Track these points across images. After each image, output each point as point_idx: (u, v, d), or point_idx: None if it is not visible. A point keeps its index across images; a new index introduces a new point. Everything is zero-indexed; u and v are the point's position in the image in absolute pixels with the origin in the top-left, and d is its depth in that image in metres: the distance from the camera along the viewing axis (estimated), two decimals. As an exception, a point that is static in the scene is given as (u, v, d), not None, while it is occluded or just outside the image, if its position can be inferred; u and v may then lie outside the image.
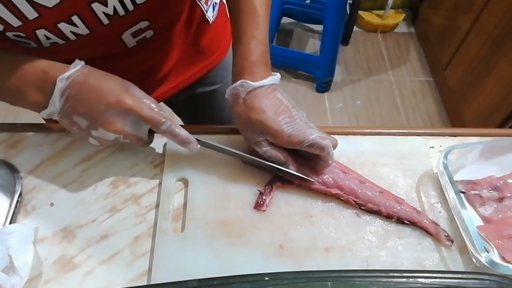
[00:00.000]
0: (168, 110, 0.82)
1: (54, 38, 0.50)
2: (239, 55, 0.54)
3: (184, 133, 0.52)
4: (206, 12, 0.68)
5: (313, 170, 0.55)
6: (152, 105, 0.50)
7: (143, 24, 0.56)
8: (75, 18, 0.48)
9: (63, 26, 0.48)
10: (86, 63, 0.49)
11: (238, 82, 0.52)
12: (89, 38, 0.52)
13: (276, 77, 0.54)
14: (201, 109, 0.83)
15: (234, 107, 0.53)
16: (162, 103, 0.78)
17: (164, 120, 0.50)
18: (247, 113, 0.51)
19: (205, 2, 0.66)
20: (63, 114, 0.47)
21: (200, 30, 0.69)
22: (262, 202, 0.54)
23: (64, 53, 0.52)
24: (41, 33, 0.48)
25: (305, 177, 0.54)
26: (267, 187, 0.55)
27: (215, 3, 0.71)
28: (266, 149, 0.53)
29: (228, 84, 0.84)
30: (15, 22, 0.45)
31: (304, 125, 0.52)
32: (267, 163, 0.54)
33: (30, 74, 0.47)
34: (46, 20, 0.46)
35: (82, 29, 0.50)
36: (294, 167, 0.55)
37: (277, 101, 0.52)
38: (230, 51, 0.79)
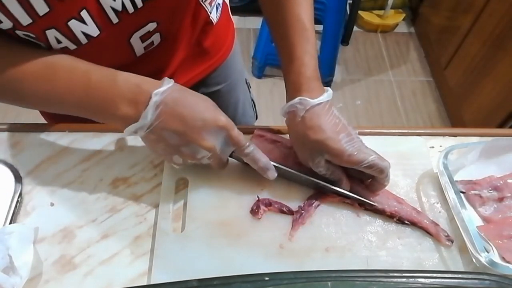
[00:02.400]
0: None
1: (65, 42, 0.49)
2: (293, 71, 0.52)
3: (264, 159, 0.52)
4: (210, 13, 0.68)
5: (368, 190, 0.55)
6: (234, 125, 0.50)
7: (151, 26, 0.55)
8: (84, 14, 0.47)
9: (73, 24, 0.47)
10: None
11: (296, 100, 0.51)
12: (98, 41, 0.51)
13: (329, 92, 0.52)
14: None
15: (291, 125, 0.53)
16: None
17: (248, 143, 0.50)
18: (306, 132, 0.50)
19: (209, 3, 0.66)
20: (153, 129, 0.46)
21: (204, 31, 0.69)
22: (257, 210, 0.54)
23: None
24: (51, 34, 0.47)
25: (367, 200, 0.54)
26: (309, 201, 0.54)
27: (218, 4, 0.71)
28: (325, 168, 0.52)
29: (232, 84, 0.83)
30: (25, 19, 0.43)
31: (362, 144, 0.51)
32: (331, 186, 0.54)
33: (123, 86, 0.46)
34: (56, 16, 0.45)
35: (92, 29, 0.49)
36: (347, 187, 0.54)
37: (335, 119, 0.51)
38: (233, 51, 0.79)
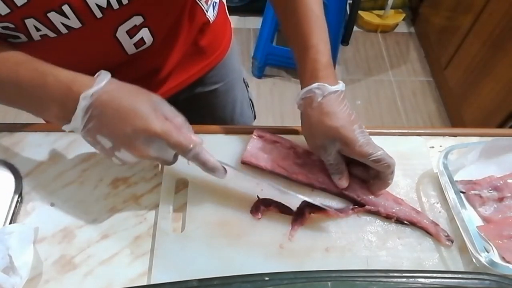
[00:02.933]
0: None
1: (44, 30, 0.48)
2: (309, 59, 0.52)
3: (212, 160, 0.49)
4: (207, 11, 0.68)
5: (367, 191, 0.55)
6: (181, 125, 0.48)
7: (137, 20, 0.54)
8: (66, 8, 0.46)
9: (53, 16, 0.46)
10: (85, 72, 0.46)
11: (315, 85, 0.50)
12: (81, 33, 0.50)
13: (343, 84, 0.53)
14: (202, 108, 0.83)
15: (306, 110, 0.52)
16: None
17: (191, 146, 0.47)
18: (321, 118, 0.50)
19: (205, 1, 0.66)
20: (86, 132, 0.45)
21: (200, 30, 0.69)
22: (257, 210, 0.54)
23: (56, 51, 0.50)
24: (30, 23, 0.46)
25: (359, 200, 0.54)
26: (296, 217, 0.53)
27: (215, 2, 0.71)
28: (333, 158, 0.52)
29: (229, 84, 0.83)
30: (3, 9, 0.43)
31: (370, 138, 0.51)
32: (319, 204, 0.53)
33: (53, 86, 0.44)
34: (35, 6, 0.44)
35: (74, 22, 0.48)
36: (346, 183, 0.54)
37: (349, 109, 0.51)
38: (230, 50, 0.78)
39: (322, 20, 0.54)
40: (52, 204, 0.55)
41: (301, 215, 0.53)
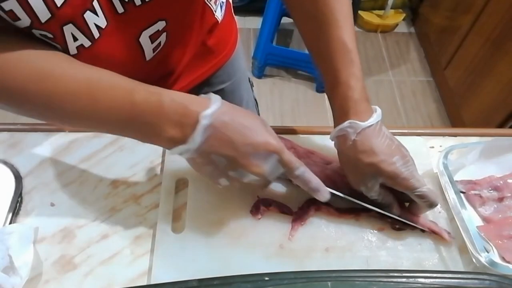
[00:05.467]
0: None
1: (80, 39, 0.47)
2: (340, 95, 0.51)
3: (315, 181, 0.49)
4: (215, 12, 0.68)
5: (410, 212, 0.54)
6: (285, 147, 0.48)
7: (161, 24, 0.54)
8: (95, 4, 0.45)
9: (88, 16, 0.45)
10: None
11: (346, 123, 0.49)
12: (108, 36, 0.49)
13: (378, 112, 0.51)
14: None
15: (341, 148, 0.51)
16: None
17: (298, 165, 0.48)
18: (358, 156, 0.49)
19: (214, 2, 0.66)
20: (200, 152, 0.45)
21: (209, 31, 0.69)
22: (257, 210, 0.53)
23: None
24: (68, 30, 0.45)
25: (413, 224, 0.53)
26: (297, 216, 0.53)
27: (222, 2, 0.71)
28: (377, 193, 0.51)
29: (235, 83, 0.82)
30: (44, 13, 0.41)
31: (415, 169, 0.50)
32: (377, 210, 0.53)
33: (170, 108, 0.44)
34: (73, 7, 0.43)
35: (101, 20, 0.47)
36: (398, 212, 0.53)
37: (388, 140, 0.50)
38: (236, 49, 0.78)
39: (354, 54, 0.51)
40: (52, 204, 0.55)
41: (304, 213, 0.53)
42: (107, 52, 0.51)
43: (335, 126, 0.51)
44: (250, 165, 0.45)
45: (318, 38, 0.53)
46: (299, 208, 0.54)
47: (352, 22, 0.54)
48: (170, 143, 0.45)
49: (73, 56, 0.48)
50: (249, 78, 0.89)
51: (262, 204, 0.54)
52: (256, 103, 0.94)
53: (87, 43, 0.48)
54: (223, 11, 0.71)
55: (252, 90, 0.91)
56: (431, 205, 0.50)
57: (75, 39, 0.47)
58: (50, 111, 0.45)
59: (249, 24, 2.17)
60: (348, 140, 0.49)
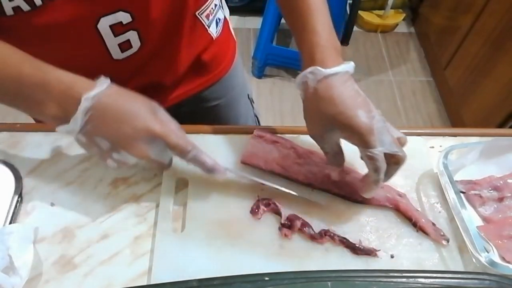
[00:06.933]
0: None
1: (17, 1, 0.45)
2: (306, 41, 0.49)
3: (210, 161, 0.50)
4: (209, 27, 0.67)
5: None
6: (178, 130, 0.48)
7: (124, 17, 0.52)
8: None
9: None
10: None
11: (308, 69, 0.47)
12: (55, 8, 0.47)
13: (350, 64, 0.48)
14: (205, 122, 0.82)
15: (304, 98, 0.49)
16: None
17: (190, 148, 0.48)
18: (317, 104, 0.47)
19: (206, 16, 0.65)
20: (84, 133, 0.45)
21: (202, 46, 0.68)
22: (257, 210, 0.53)
23: (41, 47, 0.49)
24: None
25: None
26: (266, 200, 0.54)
27: (219, 19, 0.70)
28: (329, 144, 0.49)
29: (231, 100, 0.80)
30: None
31: (383, 126, 0.46)
32: (292, 192, 0.53)
33: (54, 86, 0.44)
34: None
35: None
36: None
37: (353, 92, 0.47)
38: (233, 67, 0.77)
39: (321, 4, 0.51)
40: (52, 204, 0.55)
41: (291, 226, 0.52)
42: (58, 29, 0.50)
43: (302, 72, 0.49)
44: (131, 148, 0.46)
45: (292, 11, 0.53)
46: (287, 218, 0.53)
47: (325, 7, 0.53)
48: (53, 121, 0.46)
49: (10, 17, 0.47)
50: (248, 95, 0.88)
51: (262, 204, 0.54)
52: (257, 119, 0.93)
53: (25, 7, 0.47)
54: (219, 27, 0.70)
55: (253, 107, 0.90)
56: (397, 162, 0.47)
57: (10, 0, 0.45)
58: None
59: (249, 24, 2.17)
60: (309, 87, 0.48)
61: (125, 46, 0.57)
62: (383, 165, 0.47)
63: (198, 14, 0.63)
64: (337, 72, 0.47)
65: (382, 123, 0.47)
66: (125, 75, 0.61)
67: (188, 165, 0.51)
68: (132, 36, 0.56)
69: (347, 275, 0.45)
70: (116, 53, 0.57)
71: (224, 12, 0.73)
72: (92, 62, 0.55)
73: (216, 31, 0.70)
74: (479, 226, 0.53)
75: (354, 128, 0.45)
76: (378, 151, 0.46)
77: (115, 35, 0.55)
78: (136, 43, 0.57)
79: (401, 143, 0.49)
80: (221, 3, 0.72)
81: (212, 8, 0.66)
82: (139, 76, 0.63)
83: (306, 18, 0.50)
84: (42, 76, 0.45)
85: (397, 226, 0.54)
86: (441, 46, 1.90)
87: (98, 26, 0.53)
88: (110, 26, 0.53)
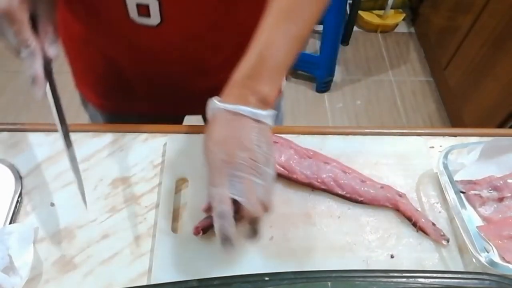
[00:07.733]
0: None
1: None
2: (242, 61, 0.46)
3: (39, 71, 0.45)
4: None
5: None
6: (45, 30, 0.44)
7: None
8: None
9: None
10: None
11: (209, 100, 0.45)
12: None
13: (257, 112, 0.43)
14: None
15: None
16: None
17: (29, 42, 0.44)
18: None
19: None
20: None
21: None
22: (197, 231, 0.50)
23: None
24: None
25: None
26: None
27: None
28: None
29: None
30: None
31: (246, 176, 0.41)
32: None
33: None
34: None
35: None
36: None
37: (235, 132, 0.42)
38: None
39: (274, 20, 0.46)
40: (52, 204, 0.55)
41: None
42: None
43: None
44: None
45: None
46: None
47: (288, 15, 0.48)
48: None
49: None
50: None
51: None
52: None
53: None
54: None
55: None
56: (213, 211, 0.42)
57: None
58: None
59: (249, 24, 2.17)
60: (208, 114, 0.45)
61: (143, 11, 0.54)
62: (219, 207, 0.41)
63: None
64: (226, 108, 0.43)
65: (246, 173, 0.41)
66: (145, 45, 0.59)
67: (188, 165, 0.51)
68: (152, 2, 0.53)
69: (347, 275, 0.45)
70: (133, 11, 0.54)
71: None
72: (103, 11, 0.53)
73: None
74: (479, 226, 0.53)
75: (205, 160, 0.44)
76: (218, 190, 0.42)
77: None
78: (155, 14, 0.54)
79: (265, 206, 0.43)
80: None
81: None
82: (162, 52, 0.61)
83: (257, 33, 0.46)
84: None
85: (397, 226, 0.54)
86: (441, 46, 1.90)
87: None
88: None
